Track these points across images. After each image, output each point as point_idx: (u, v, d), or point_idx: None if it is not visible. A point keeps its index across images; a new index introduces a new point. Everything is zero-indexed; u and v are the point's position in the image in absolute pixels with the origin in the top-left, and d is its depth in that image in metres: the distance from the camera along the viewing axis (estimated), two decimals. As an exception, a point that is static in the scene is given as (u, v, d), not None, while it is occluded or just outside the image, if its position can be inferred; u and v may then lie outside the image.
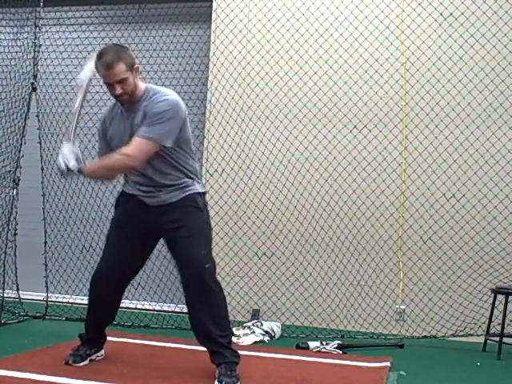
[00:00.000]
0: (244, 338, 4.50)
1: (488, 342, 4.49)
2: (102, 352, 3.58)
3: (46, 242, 5.30)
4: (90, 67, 3.28)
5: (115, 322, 4.82)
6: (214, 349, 3.23)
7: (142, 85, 3.24)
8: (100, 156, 3.42)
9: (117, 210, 3.51)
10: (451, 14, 5.13)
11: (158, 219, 3.26)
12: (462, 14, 5.10)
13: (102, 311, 3.47)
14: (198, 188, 3.33)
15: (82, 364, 3.40)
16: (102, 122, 3.42)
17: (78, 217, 5.80)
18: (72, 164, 3.11)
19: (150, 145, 3.12)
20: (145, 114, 3.17)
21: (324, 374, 3.54)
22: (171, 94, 3.22)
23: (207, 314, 3.18)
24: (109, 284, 3.37)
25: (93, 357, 3.49)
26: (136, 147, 3.11)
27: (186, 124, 3.27)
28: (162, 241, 3.43)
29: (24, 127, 5.04)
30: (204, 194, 3.39)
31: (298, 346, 4.31)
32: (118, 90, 3.13)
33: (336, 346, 4.28)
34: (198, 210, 3.28)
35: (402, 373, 3.62)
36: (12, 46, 5.27)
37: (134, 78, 3.16)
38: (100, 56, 3.14)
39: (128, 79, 3.13)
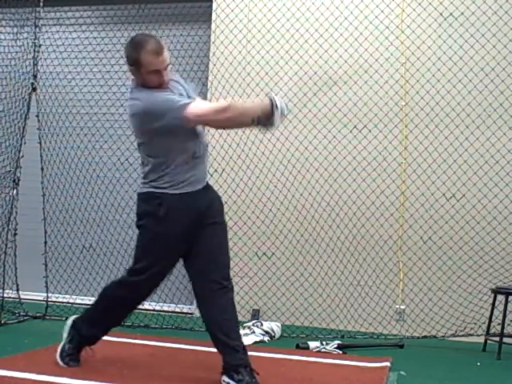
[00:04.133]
0: (244, 338, 4.47)
1: (488, 341, 4.49)
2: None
3: (46, 242, 5.30)
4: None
5: (115, 322, 4.83)
6: (227, 350, 3.15)
7: None
8: None
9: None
10: (451, 14, 5.13)
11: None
12: (462, 13, 5.10)
13: (121, 318, 3.46)
14: None
15: (77, 363, 3.38)
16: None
17: (78, 217, 5.81)
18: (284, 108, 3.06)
19: None
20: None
21: (324, 374, 3.55)
22: None
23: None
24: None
25: (83, 352, 3.44)
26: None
27: None
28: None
29: (24, 127, 5.05)
30: None
31: (297, 346, 4.31)
32: (166, 76, 3.06)
33: (336, 346, 4.28)
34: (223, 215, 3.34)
35: (402, 373, 3.62)
36: (12, 46, 5.26)
37: None
38: (142, 43, 3.04)
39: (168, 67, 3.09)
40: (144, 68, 3.04)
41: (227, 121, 3.01)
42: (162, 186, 3.10)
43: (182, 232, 3.13)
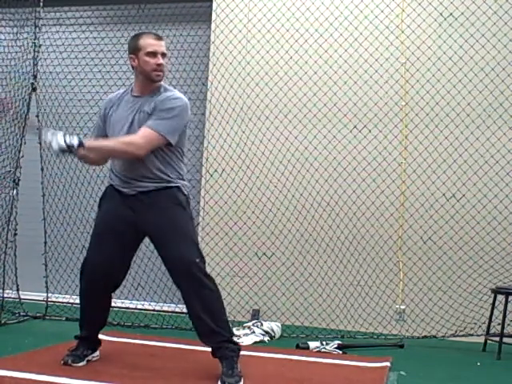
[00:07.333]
0: (244, 338, 4.49)
1: (488, 341, 4.50)
2: (98, 353, 3.56)
3: (45, 242, 5.30)
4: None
5: (115, 322, 4.84)
6: (214, 344, 3.22)
7: None
8: None
9: (101, 208, 3.43)
10: (451, 14, 5.13)
11: (140, 216, 3.24)
12: (462, 14, 5.10)
13: (93, 307, 3.43)
14: (180, 184, 3.30)
15: (80, 364, 3.39)
16: (104, 108, 3.40)
17: (78, 217, 5.80)
18: (73, 139, 3.04)
19: (158, 139, 3.15)
20: (155, 105, 3.20)
21: (324, 374, 3.55)
22: (183, 96, 3.31)
23: (202, 309, 3.18)
24: (97, 276, 3.34)
25: (89, 357, 3.49)
26: (145, 137, 3.13)
27: (186, 128, 3.35)
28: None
29: (24, 127, 5.04)
30: (187, 195, 3.34)
31: (297, 346, 4.31)
32: (162, 60, 3.23)
33: (336, 346, 4.28)
34: (179, 206, 3.25)
35: (402, 373, 3.62)
36: (12, 46, 5.26)
37: None
38: (142, 33, 3.32)
39: (166, 58, 3.27)
40: (142, 50, 3.21)
41: None
42: None
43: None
